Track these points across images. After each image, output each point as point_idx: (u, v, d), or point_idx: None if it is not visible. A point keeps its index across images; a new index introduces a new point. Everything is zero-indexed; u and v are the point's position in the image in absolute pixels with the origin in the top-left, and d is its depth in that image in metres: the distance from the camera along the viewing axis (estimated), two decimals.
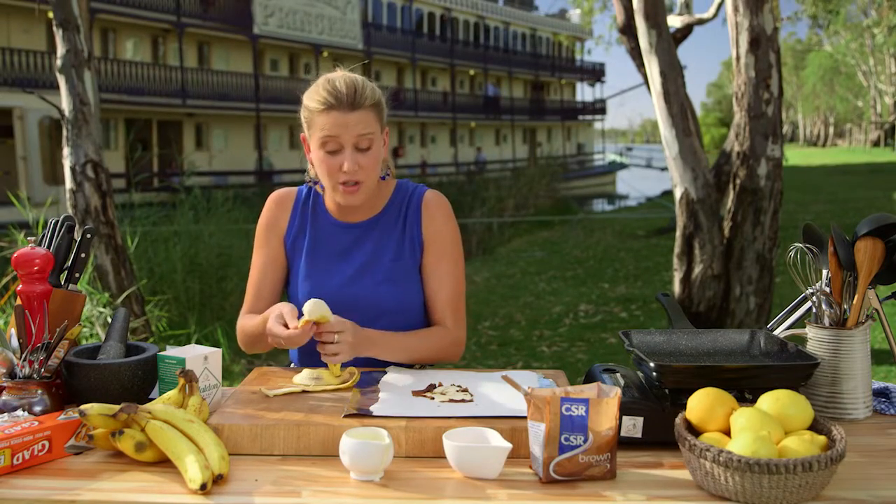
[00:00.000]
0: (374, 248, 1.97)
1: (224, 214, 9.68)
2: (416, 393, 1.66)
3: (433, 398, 1.62)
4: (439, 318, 1.97)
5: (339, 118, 1.82)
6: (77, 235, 1.85)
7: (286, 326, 1.70)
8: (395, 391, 1.67)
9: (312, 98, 1.86)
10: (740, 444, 1.26)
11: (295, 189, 2.08)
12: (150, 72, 24.67)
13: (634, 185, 35.06)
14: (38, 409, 1.57)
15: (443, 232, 1.98)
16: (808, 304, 1.73)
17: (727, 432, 1.36)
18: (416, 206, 1.99)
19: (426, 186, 2.05)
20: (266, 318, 1.79)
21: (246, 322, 1.98)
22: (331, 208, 2.02)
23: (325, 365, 1.90)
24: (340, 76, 1.88)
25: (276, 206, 2.05)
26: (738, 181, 5.79)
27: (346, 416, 1.51)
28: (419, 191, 2.02)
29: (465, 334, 2.00)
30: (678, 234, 6.19)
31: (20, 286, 1.73)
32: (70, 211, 5.26)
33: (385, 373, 1.83)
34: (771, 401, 1.38)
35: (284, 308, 1.73)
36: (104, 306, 4.97)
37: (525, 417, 1.44)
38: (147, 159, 24.62)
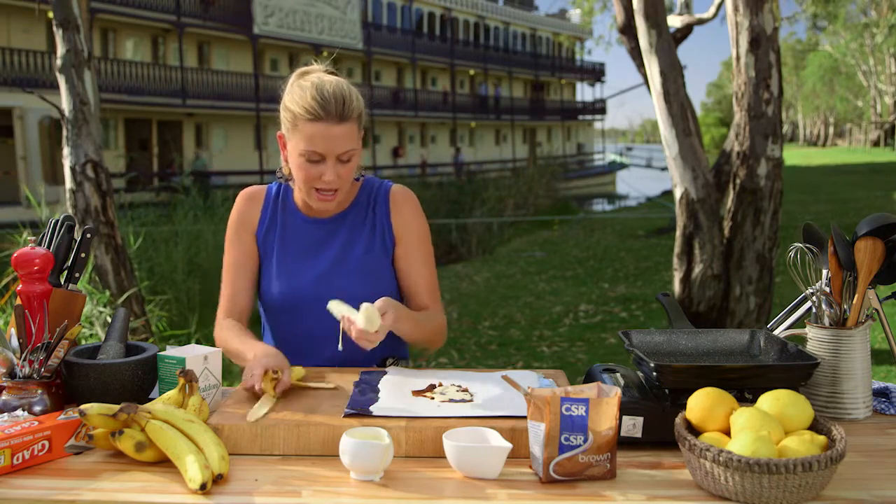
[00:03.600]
0: (345, 243, 1.99)
1: (223, 214, 9.69)
2: (416, 393, 1.65)
3: (433, 398, 1.62)
4: (422, 305, 2.01)
5: (326, 130, 1.81)
6: (77, 235, 1.85)
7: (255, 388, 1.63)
8: (395, 391, 1.67)
9: (298, 103, 1.84)
10: (740, 443, 1.26)
11: (265, 187, 2.09)
12: (150, 72, 24.66)
13: (634, 185, 35.07)
14: (38, 408, 1.57)
15: (413, 224, 2.02)
16: (808, 304, 1.73)
17: (727, 432, 1.36)
18: (383, 199, 2.02)
19: (391, 182, 2.07)
20: (247, 352, 1.80)
21: (225, 335, 1.93)
22: (300, 205, 2.03)
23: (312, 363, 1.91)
24: (330, 83, 1.84)
25: (247, 202, 2.05)
26: (738, 181, 5.80)
27: (346, 416, 1.51)
28: (385, 185, 2.05)
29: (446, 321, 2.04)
30: (678, 233, 6.19)
31: (20, 286, 1.73)
32: (70, 211, 5.26)
33: (385, 373, 1.83)
34: (771, 401, 1.38)
35: (258, 368, 1.64)
36: (104, 306, 4.97)
37: (525, 417, 1.44)
38: (147, 159, 24.65)
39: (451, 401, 1.60)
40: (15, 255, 1.72)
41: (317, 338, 1.95)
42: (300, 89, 1.86)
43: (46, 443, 1.41)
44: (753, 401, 1.46)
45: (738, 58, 5.67)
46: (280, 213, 2.03)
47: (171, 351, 1.74)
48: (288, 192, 2.05)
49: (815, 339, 1.65)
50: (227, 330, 1.94)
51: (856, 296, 1.64)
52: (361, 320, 1.66)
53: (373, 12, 34.95)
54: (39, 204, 5.25)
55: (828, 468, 1.23)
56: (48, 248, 1.80)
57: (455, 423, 1.47)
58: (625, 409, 1.45)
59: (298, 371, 1.77)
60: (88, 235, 1.84)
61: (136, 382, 1.65)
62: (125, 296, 5.26)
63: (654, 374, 1.47)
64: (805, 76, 58.30)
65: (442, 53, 38.47)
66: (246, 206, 2.05)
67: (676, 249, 6.20)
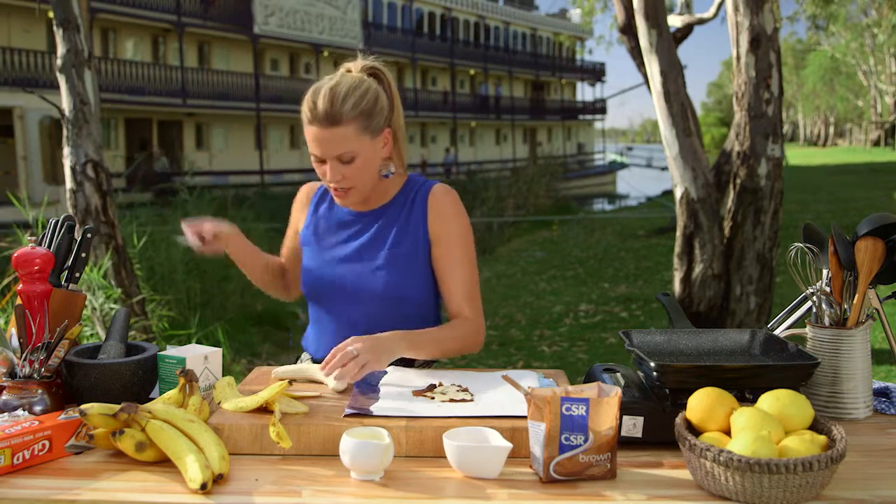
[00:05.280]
0: (375, 235, 1.98)
1: (222, 214, 9.69)
2: (417, 393, 1.65)
3: (433, 398, 1.62)
4: (457, 310, 1.97)
5: (318, 134, 1.82)
6: (77, 235, 1.85)
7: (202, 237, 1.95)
8: (396, 391, 1.67)
9: (302, 105, 1.86)
10: (740, 443, 1.26)
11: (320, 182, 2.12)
12: (150, 72, 24.66)
13: (634, 185, 35.06)
14: (38, 408, 1.57)
15: (451, 225, 1.98)
16: (809, 303, 1.73)
17: (727, 432, 1.36)
18: (422, 199, 1.99)
19: (436, 181, 2.04)
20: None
21: None
22: None
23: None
24: (326, 87, 1.83)
25: (302, 197, 2.14)
26: (738, 181, 5.80)
27: (346, 416, 1.51)
28: (427, 184, 2.02)
29: (484, 322, 2.00)
30: (678, 233, 6.19)
31: (20, 286, 1.73)
32: (70, 211, 5.26)
33: (385, 373, 1.83)
34: (771, 400, 1.38)
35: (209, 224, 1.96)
36: (115, 301, 4.97)
37: (525, 417, 1.44)
38: (146, 159, 24.64)
39: (451, 401, 1.60)
40: (15, 255, 1.72)
41: (342, 326, 1.96)
42: (307, 92, 1.87)
43: (47, 442, 1.41)
44: (753, 401, 1.46)
45: (738, 58, 5.67)
46: (327, 205, 2.06)
47: (172, 351, 1.75)
48: None
49: (816, 339, 1.65)
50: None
51: (856, 296, 1.64)
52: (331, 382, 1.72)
53: (373, 12, 34.95)
54: (25, 206, 5.21)
55: (828, 468, 1.23)
56: (48, 247, 1.80)
57: (455, 423, 1.47)
58: (625, 408, 1.45)
59: (283, 382, 1.76)
60: (89, 235, 1.84)
61: (137, 382, 1.65)
62: (135, 299, 5.26)
63: (655, 373, 1.47)
64: (805, 76, 58.24)
65: (442, 53, 38.46)
66: (299, 202, 2.14)
67: (677, 249, 6.20)
